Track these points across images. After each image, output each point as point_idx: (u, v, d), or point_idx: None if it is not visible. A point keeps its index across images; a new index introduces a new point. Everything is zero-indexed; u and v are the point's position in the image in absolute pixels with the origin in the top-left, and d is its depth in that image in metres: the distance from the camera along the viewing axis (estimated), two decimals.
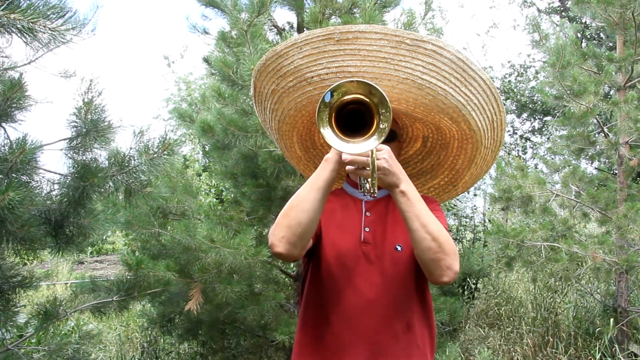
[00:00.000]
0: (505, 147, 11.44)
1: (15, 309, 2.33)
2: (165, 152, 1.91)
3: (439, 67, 1.22)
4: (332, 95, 1.13)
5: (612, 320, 3.98)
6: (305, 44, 1.26)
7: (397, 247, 1.38)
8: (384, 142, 1.40)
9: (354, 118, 1.18)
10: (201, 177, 8.14)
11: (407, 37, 1.20)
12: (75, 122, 1.89)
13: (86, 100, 1.86)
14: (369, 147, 1.14)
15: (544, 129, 11.53)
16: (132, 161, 1.95)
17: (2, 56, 1.88)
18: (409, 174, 1.66)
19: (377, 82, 1.25)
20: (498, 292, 5.92)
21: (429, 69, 1.22)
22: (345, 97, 1.14)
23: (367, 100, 1.13)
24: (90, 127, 1.88)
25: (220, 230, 2.73)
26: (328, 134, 1.14)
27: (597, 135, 5.01)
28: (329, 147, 1.64)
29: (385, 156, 1.20)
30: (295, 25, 3.71)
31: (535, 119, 11.92)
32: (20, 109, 1.83)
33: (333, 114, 1.15)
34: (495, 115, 1.35)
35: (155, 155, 1.90)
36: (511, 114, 11.65)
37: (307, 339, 1.41)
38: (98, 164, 1.95)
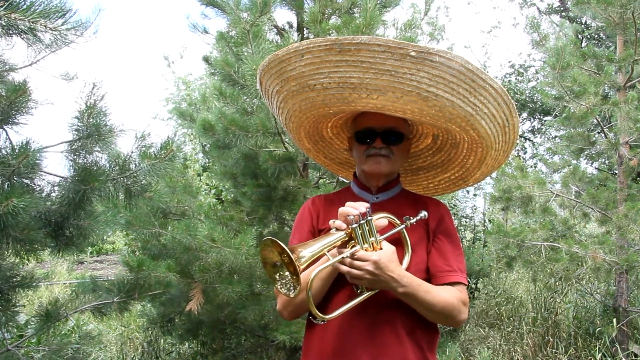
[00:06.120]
0: None
1: (15, 309, 2.33)
2: (167, 158, 1.90)
3: (445, 78, 1.18)
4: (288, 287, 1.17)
5: (614, 320, 3.98)
6: (307, 52, 1.22)
7: None
8: (391, 144, 1.43)
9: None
10: (201, 177, 8.14)
11: (412, 49, 1.15)
12: (77, 125, 1.88)
13: (89, 104, 1.85)
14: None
15: (543, 129, 11.54)
16: (133, 165, 1.94)
17: (2, 58, 1.88)
18: (420, 166, 1.68)
19: (380, 94, 1.24)
20: (498, 292, 5.93)
21: (436, 81, 1.18)
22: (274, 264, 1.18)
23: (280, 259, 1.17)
24: (92, 131, 1.88)
25: (221, 230, 2.73)
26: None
27: (597, 135, 5.01)
28: (340, 140, 1.67)
29: (369, 268, 1.22)
30: (295, 25, 3.71)
31: (535, 118, 11.94)
32: (23, 112, 1.82)
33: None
34: (507, 120, 1.33)
35: (157, 161, 1.90)
36: None
37: (312, 340, 1.42)
38: (99, 167, 1.94)
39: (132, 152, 1.94)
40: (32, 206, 1.62)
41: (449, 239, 1.45)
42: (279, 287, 1.17)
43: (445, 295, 1.32)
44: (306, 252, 1.16)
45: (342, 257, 1.22)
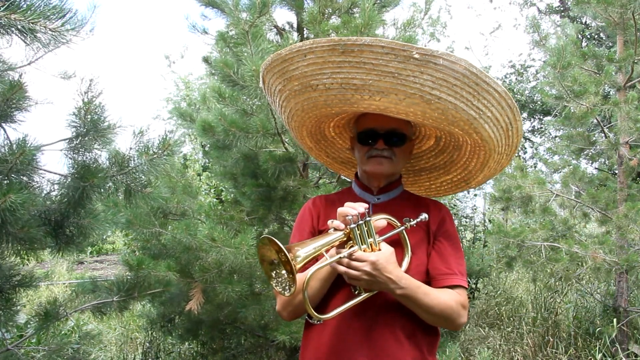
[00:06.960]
0: None
1: (15, 309, 2.34)
2: (165, 153, 1.90)
3: (449, 81, 1.17)
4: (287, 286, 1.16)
5: (614, 320, 3.98)
6: (309, 52, 1.22)
7: None
8: (394, 146, 1.43)
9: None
10: (201, 177, 8.15)
11: (415, 51, 1.13)
12: (75, 122, 1.88)
13: (86, 100, 1.86)
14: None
15: (543, 129, 11.55)
16: (132, 161, 1.94)
17: (1, 57, 1.88)
18: (422, 167, 1.67)
19: (382, 96, 1.23)
20: (498, 292, 5.93)
21: (439, 84, 1.17)
22: (272, 260, 1.17)
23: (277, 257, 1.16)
24: (90, 128, 1.88)
25: (221, 230, 2.73)
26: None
27: (597, 135, 5.01)
28: (342, 139, 1.67)
29: (366, 269, 1.21)
30: (295, 25, 3.71)
31: (535, 118, 11.94)
32: (20, 109, 1.83)
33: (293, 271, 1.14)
34: (510, 124, 1.32)
35: (155, 156, 1.90)
36: None
37: (310, 340, 1.42)
38: (98, 164, 1.94)
39: (130, 149, 1.94)
40: (30, 203, 1.62)
41: (449, 241, 1.44)
42: (274, 284, 1.17)
43: (445, 298, 1.32)
44: (302, 251, 1.15)
45: (340, 257, 1.21)
